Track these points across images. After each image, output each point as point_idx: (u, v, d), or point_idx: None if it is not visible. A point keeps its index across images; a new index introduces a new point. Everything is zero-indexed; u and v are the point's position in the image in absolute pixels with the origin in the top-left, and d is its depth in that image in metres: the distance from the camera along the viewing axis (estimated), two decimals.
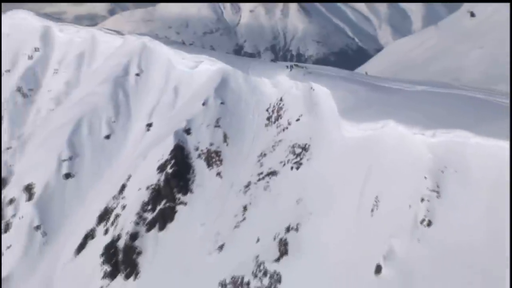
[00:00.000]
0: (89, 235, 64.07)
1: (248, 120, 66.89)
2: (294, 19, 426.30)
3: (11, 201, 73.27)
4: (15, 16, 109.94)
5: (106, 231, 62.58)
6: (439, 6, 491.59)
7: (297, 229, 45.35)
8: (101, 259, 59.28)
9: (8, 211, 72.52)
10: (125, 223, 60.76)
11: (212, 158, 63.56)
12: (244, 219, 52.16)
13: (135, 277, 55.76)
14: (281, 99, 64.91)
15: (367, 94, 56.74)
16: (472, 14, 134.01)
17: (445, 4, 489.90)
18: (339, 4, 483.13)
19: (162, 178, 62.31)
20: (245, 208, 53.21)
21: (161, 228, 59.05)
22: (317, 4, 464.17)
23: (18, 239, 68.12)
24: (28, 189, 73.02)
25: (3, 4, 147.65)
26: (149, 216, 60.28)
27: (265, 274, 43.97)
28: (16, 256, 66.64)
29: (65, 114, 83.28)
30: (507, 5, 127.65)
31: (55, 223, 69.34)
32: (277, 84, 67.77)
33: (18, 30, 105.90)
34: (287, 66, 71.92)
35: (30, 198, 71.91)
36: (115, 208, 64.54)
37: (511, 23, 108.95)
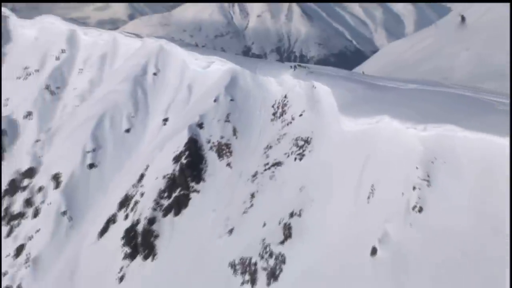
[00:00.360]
0: (111, 220, 64.20)
1: (255, 116, 66.82)
2: (297, 23, 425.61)
3: (40, 189, 73.44)
4: (44, 21, 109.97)
5: (126, 216, 62.71)
6: (429, 11, 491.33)
7: (300, 215, 45.34)
8: (122, 242, 59.43)
9: (37, 198, 72.73)
10: (144, 209, 60.86)
11: (223, 150, 63.54)
12: (251, 205, 52.17)
13: (153, 258, 55.89)
14: (285, 96, 64.79)
15: (364, 92, 56.63)
16: (463, 18, 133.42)
17: (435, 9, 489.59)
18: (338, 9, 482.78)
19: (177, 168, 62.34)
20: (252, 196, 53.21)
21: (176, 213, 59.13)
22: (318, 9, 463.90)
23: (46, 224, 68.30)
24: (56, 178, 73.15)
25: (32, 10, 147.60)
26: (165, 202, 60.34)
27: (270, 255, 44.00)
28: (44, 239, 66.82)
29: (89, 110, 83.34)
30: (497, 5, 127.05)
31: (80, 209, 69.51)
32: (282, 82, 67.64)
33: (46, 33, 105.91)
34: (291, 66, 71.72)
35: (57, 186, 72.06)
36: (134, 195, 64.63)
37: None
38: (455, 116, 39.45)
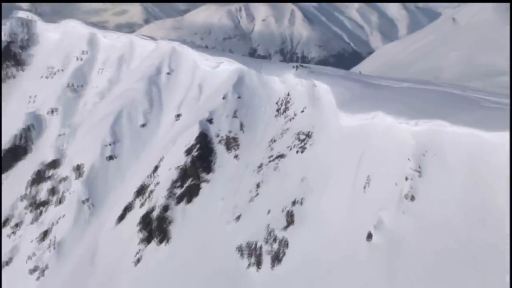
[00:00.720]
0: (128, 207, 64.28)
1: (260, 112, 66.77)
2: (299, 27, 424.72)
3: (64, 178, 73.55)
4: (67, 25, 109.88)
5: (142, 204, 62.78)
6: (421, 15, 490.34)
7: (301, 203, 45.38)
8: (138, 227, 59.50)
9: (61, 187, 72.85)
10: (158, 197, 60.92)
11: (231, 143, 63.52)
12: (257, 194, 52.19)
13: (167, 243, 55.95)
14: (288, 94, 64.71)
15: (360, 90, 56.61)
16: (454, 20, 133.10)
17: (426, 14, 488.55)
18: (337, 14, 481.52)
19: (189, 160, 62.37)
20: (258, 185, 53.22)
21: (188, 201, 59.17)
22: (319, 14, 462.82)
23: (69, 211, 68.42)
24: (78, 168, 73.27)
25: (56, 14, 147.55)
26: (178, 191, 60.38)
27: (274, 240, 44.06)
28: (67, 224, 66.96)
29: (108, 106, 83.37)
30: (485, 7, 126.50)
31: (100, 197, 69.61)
32: (285, 81, 67.56)
33: (69, 36, 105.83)
34: (293, 66, 71.58)
35: (79, 176, 72.17)
36: (149, 185, 64.70)
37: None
38: (444, 112, 39.42)
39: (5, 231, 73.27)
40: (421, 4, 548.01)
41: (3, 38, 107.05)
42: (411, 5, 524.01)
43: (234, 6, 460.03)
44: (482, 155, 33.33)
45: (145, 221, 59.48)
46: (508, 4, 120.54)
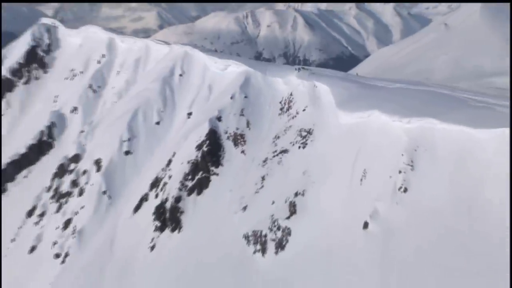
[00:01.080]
0: (144, 198, 64.34)
1: (265, 110, 66.70)
2: (301, 32, 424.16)
3: (84, 172, 73.66)
4: (87, 30, 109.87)
5: (157, 195, 62.83)
6: (413, 22, 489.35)
7: (303, 194, 45.34)
8: (153, 217, 59.60)
9: (82, 180, 72.98)
10: (171, 189, 60.97)
11: (238, 139, 63.48)
12: (262, 186, 52.19)
13: (179, 231, 56.03)
14: (291, 94, 64.64)
15: (357, 90, 56.55)
16: (446, 25, 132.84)
17: (418, 20, 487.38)
18: (336, 20, 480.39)
19: (199, 154, 62.36)
20: (263, 178, 53.21)
21: (199, 193, 59.19)
22: (319, 20, 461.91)
23: (89, 201, 68.54)
24: (97, 162, 73.36)
25: (78, 21, 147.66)
26: (189, 184, 60.42)
27: (278, 228, 44.05)
28: (88, 214, 67.08)
29: (125, 105, 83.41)
30: (475, 13, 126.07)
31: (118, 189, 69.68)
32: (288, 82, 67.48)
33: (90, 41, 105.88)
34: (296, 69, 71.52)
35: (98, 169, 72.26)
36: (163, 177, 64.73)
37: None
38: (435, 111, 39.44)
39: (31, 219, 73.61)
40: (413, 11, 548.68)
41: (29, 42, 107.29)
42: (404, 11, 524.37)
43: (241, 13, 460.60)
44: (469, 150, 33.35)
45: (159, 211, 59.56)
46: (494, 8, 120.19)
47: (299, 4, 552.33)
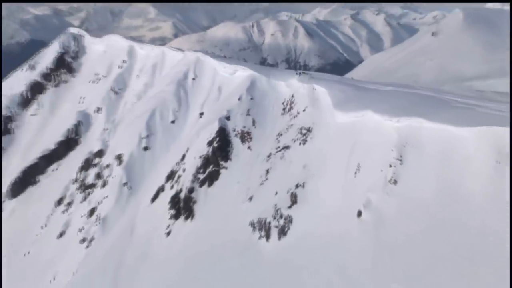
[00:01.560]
0: (160, 189, 64.44)
1: (269, 110, 66.66)
2: (302, 40, 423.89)
3: (107, 165, 73.92)
4: (110, 39, 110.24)
5: (172, 186, 62.92)
6: (402, 31, 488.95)
7: (303, 186, 45.29)
8: (168, 206, 59.69)
9: (105, 173, 73.21)
10: (185, 181, 61.05)
11: (245, 136, 63.47)
12: (266, 179, 52.16)
13: (192, 219, 56.09)
14: (292, 96, 64.56)
15: (352, 92, 56.42)
16: (433, 34, 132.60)
17: (406, 29, 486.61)
18: (333, 30, 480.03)
19: (210, 150, 62.40)
20: (267, 171, 53.18)
21: (209, 185, 59.22)
22: (318, 29, 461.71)
23: (112, 192, 68.78)
24: (119, 157, 73.57)
25: (102, 30, 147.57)
26: (201, 176, 60.47)
27: (281, 217, 44.04)
28: (110, 203, 67.32)
29: (144, 105, 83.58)
30: (458, 22, 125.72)
31: (137, 181, 69.86)
32: (290, 85, 67.43)
33: (112, 48, 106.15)
34: (297, 73, 71.45)
35: (120, 163, 72.47)
36: (178, 170, 64.82)
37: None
38: (422, 111, 39.33)
39: (60, 208, 74.01)
40: (402, 21, 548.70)
41: (58, 50, 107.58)
42: (394, 22, 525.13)
43: (248, 23, 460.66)
44: (452, 146, 33.30)
45: (174, 201, 59.67)
46: (475, 17, 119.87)
47: (300, 15, 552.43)
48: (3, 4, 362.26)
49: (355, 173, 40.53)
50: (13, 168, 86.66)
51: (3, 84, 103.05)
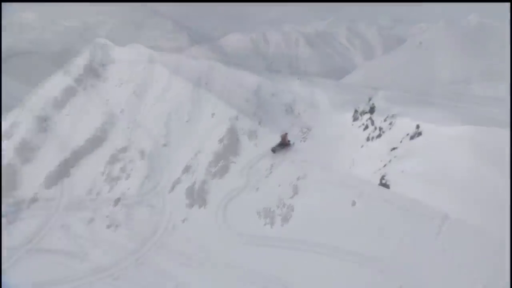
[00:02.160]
0: (177, 181, 64.67)
1: (273, 112, 66.80)
2: (303, 48, 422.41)
3: (130, 160, 74.18)
4: (133, 48, 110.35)
5: (187, 179, 63.21)
6: (392, 42, 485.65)
7: (304, 178, 45.53)
8: (184, 196, 60.03)
9: (128, 167, 73.42)
10: (199, 174, 61.36)
11: (252, 135, 63.57)
12: (271, 172, 52.35)
13: (204, 207, 56.40)
14: (294, 98, 64.73)
15: (347, 95, 56.62)
16: (420, 43, 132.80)
17: (396, 39, 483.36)
18: (330, 40, 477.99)
19: (221, 147, 62.66)
20: (271, 166, 53.39)
21: (220, 177, 59.43)
22: (317, 39, 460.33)
23: (134, 184, 69.06)
24: (141, 153, 73.85)
25: (125, 39, 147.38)
26: (213, 169, 60.70)
27: (284, 206, 44.36)
28: (132, 194, 67.63)
29: (162, 107, 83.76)
30: (441, 31, 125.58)
31: (157, 174, 70.05)
32: (292, 89, 67.64)
33: (134, 56, 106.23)
34: (298, 78, 71.61)
35: (142, 159, 72.71)
36: (192, 165, 65.07)
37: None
38: (409, 111, 39.49)
39: (89, 197, 74.31)
40: (392, 32, 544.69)
41: (87, 58, 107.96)
42: (385, 33, 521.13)
43: (254, 34, 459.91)
44: (440, 144, 33.42)
45: (189, 191, 60.02)
46: (456, 27, 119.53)
47: (302, 26, 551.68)
48: (37, 15, 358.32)
49: (350, 167, 40.91)
50: (48, 162, 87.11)
51: (40, 88, 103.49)
